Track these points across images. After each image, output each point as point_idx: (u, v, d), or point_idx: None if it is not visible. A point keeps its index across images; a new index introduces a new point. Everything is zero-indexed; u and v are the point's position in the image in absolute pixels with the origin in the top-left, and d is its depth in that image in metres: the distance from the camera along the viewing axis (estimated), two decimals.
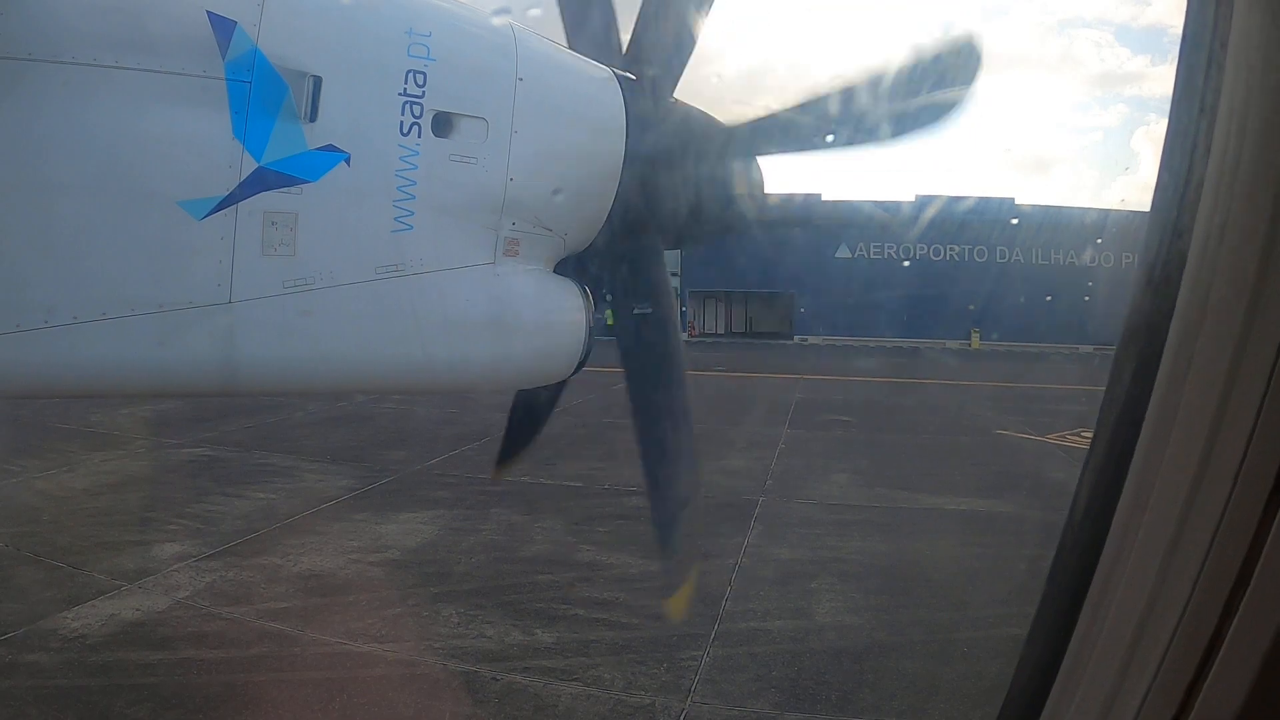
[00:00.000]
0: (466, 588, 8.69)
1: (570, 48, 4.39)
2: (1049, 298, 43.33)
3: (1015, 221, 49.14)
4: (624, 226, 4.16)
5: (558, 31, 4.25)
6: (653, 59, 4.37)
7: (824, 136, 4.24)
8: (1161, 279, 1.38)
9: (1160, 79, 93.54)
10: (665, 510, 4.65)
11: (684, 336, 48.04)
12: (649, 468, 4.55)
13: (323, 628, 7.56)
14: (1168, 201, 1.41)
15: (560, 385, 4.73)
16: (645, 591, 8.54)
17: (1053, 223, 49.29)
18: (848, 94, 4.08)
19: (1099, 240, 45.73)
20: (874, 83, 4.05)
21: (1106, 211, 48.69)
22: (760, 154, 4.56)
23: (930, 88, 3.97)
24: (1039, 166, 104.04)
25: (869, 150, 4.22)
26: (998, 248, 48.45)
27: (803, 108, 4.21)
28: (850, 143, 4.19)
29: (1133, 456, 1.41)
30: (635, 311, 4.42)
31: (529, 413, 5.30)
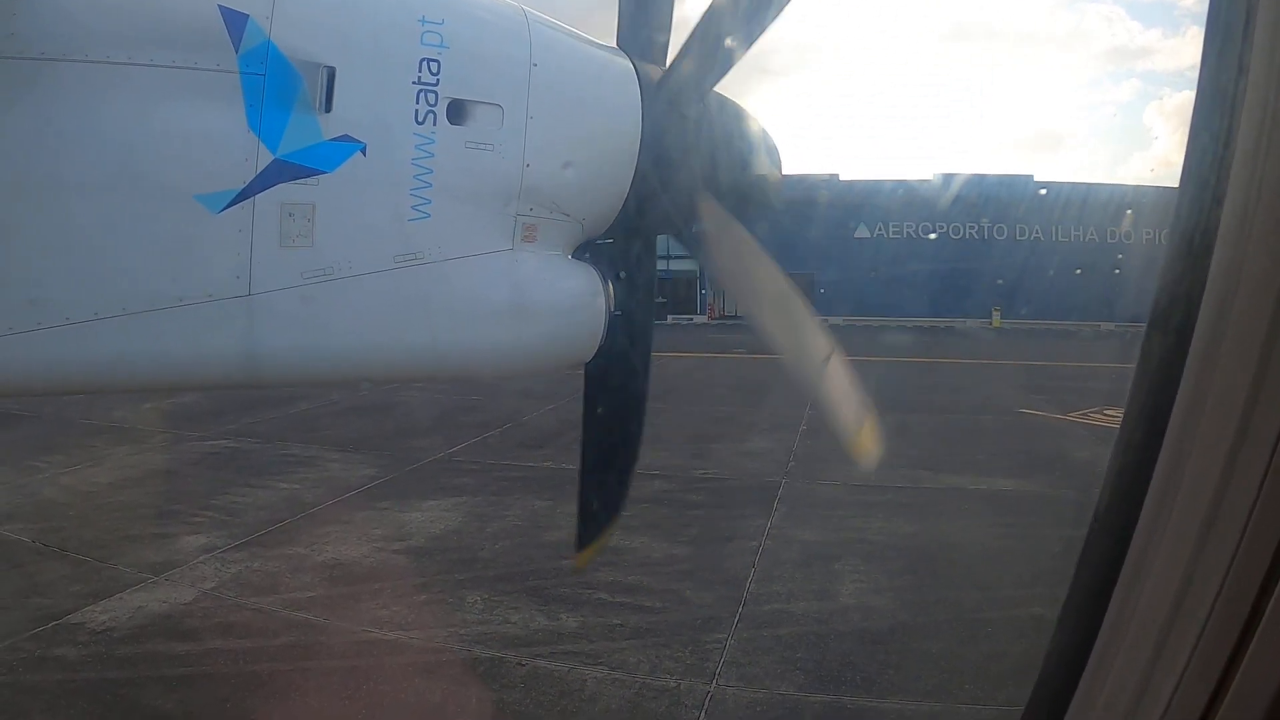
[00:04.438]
0: (490, 574, 8.72)
1: (619, 41, 4.35)
2: (1075, 272, 43.02)
3: (1044, 192, 48.71)
4: (642, 209, 4.14)
5: (565, 17, 4.20)
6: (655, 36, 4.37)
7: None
8: (1193, 252, 1.35)
9: (1173, 53, 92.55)
10: (594, 477, 4.88)
11: (703, 319, 47.78)
12: (591, 438, 4.72)
13: (348, 616, 7.60)
14: (1200, 171, 1.37)
15: (634, 448, 4.79)
16: (669, 575, 8.56)
17: (1073, 199, 48.88)
18: None
19: (1124, 215, 45.34)
20: None
21: (1129, 187, 48.23)
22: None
23: None
24: (1052, 143, 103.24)
25: None
26: (1018, 225, 48.07)
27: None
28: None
29: (1165, 435, 1.39)
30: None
31: (606, 482, 4.99)
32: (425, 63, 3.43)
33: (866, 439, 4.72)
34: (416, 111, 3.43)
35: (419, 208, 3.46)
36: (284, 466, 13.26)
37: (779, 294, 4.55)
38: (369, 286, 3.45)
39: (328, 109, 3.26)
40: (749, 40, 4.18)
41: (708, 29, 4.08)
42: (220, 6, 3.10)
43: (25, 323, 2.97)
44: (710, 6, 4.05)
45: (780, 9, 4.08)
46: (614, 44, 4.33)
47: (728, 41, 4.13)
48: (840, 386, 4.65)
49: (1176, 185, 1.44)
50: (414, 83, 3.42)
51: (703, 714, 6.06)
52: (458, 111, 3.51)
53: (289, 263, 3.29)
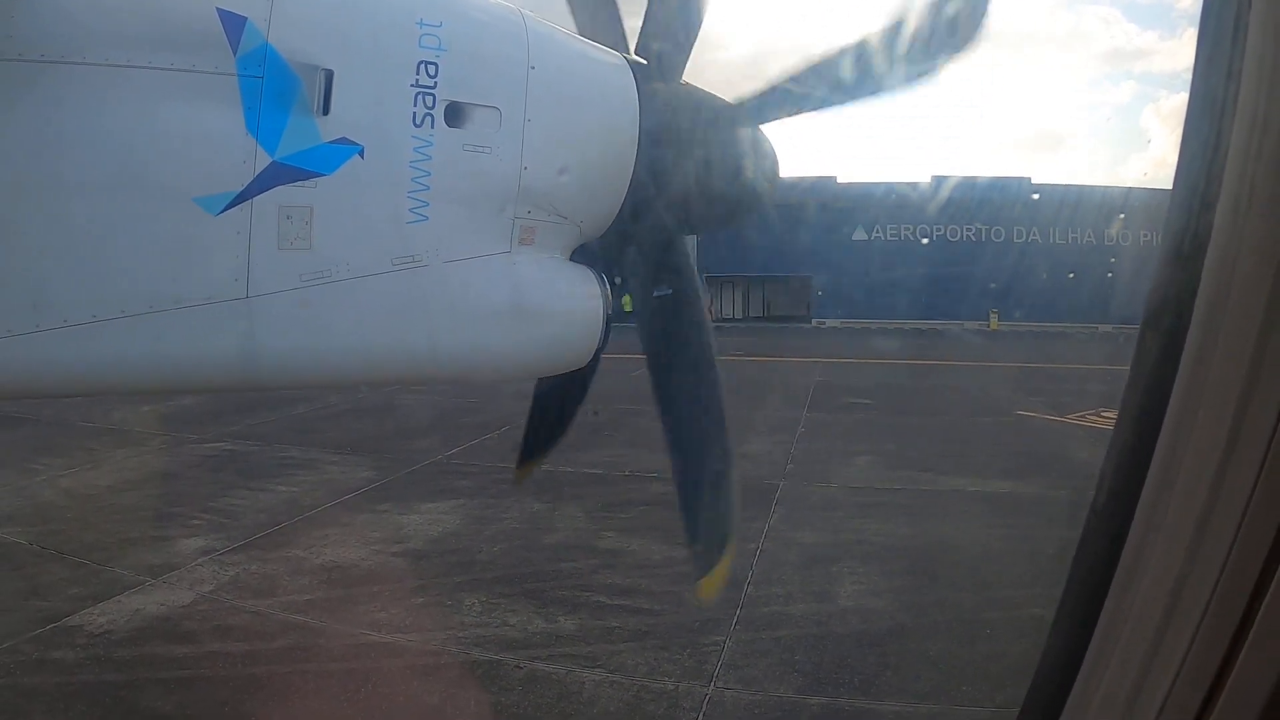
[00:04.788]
0: (489, 576, 8.72)
1: (578, 34, 4.39)
2: (1069, 276, 43.00)
3: (1036, 196, 48.70)
4: (639, 212, 4.15)
5: (563, 19, 4.23)
6: (662, 42, 4.37)
7: (828, 94, 4.31)
8: (1186, 253, 1.36)
9: (1169, 54, 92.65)
10: (696, 497, 4.65)
11: None
12: (679, 455, 4.54)
13: (346, 619, 7.60)
14: (1193, 173, 1.38)
15: (584, 383, 4.73)
16: (667, 578, 8.55)
17: (1070, 201, 48.87)
18: (847, 52, 4.17)
19: (1118, 218, 45.33)
20: (871, 39, 4.20)
21: (1124, 189, 48.24)
22: (770, 119, 4.57)
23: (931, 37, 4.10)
24: (1049, 144, 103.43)
25: (872, 101, 4.36)
26: (1015, 227, 48.04)
27: (808, 71, 4.28)
28: (852, 97, 4.30)
29: (1159, 436, 1.39)
30: (656, 295, 4.42)
31: (550, 411, 5.26)
32: (423, 65, 3.44)
33: (718, 576, 4.69)
34: (414, 114, 3.43)
35: (417, 210, 3.47)
36: (282, 469, 13.25)
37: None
38: (367, 289, 3.45)
39: (326, 111, 3.27)
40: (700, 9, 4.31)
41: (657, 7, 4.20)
42: (218, 9, 3.11)
43: (24, 325, 2.98)
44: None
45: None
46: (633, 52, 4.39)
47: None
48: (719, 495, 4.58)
49: (1170, 187, 1.45)
50: (412, 85, 3.43)
51: (701, 716, 6.07)
52: (455, 114, 3.52)
53: (287, 265, 3.30)
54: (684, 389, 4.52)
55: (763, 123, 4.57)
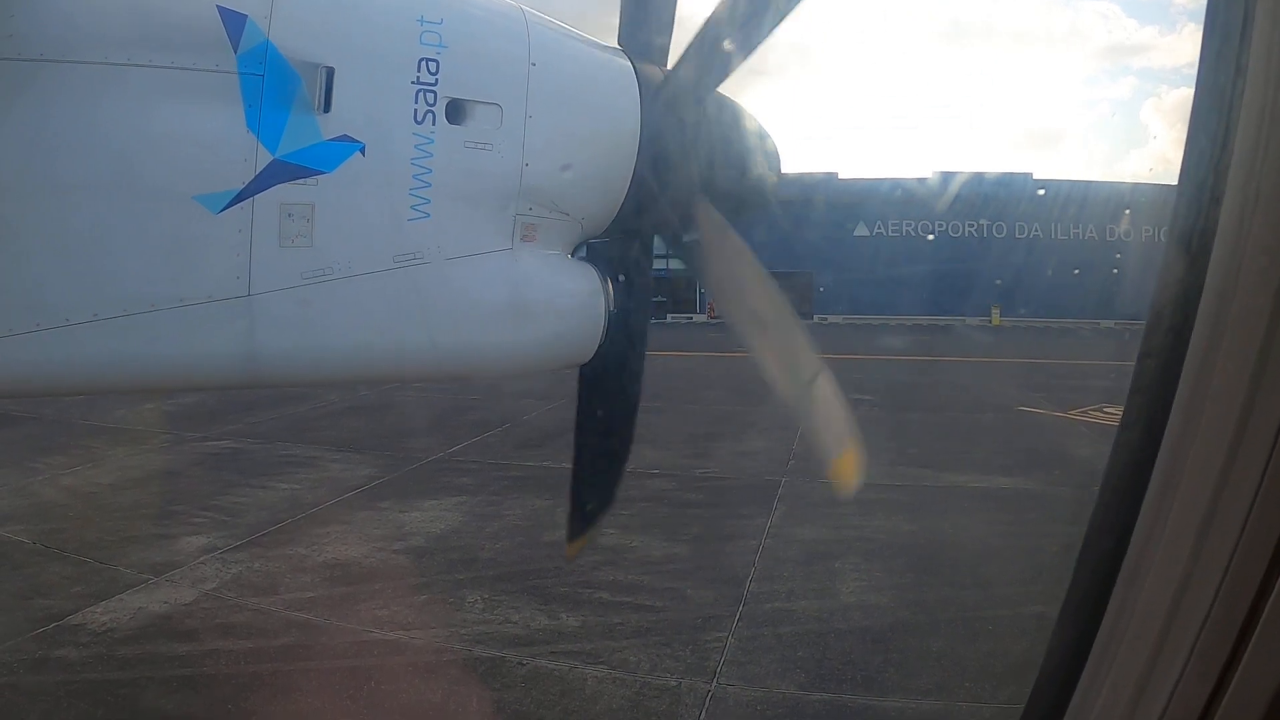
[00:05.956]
0: (491, 573, 8.71)
1: (620, 41, 4.35)
2: (1074, 272, 43.01)
3: (1040, 192, 48.68)
4: (641, 209, 4.14)
5: (564, 16, 4.21)
6: (664, 38, 4.36)
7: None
8: (1192, 250, 1.35)
9: (1169, 49, 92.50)
10: (589, 472, 4.97)
11: (704, 318, 47.72)
12: (586, 431, 4.69)
13: (349, 616, 7.60)
14: (1198, 168, 1.37)
15: (627, 435, 4.82)
16: (669, 574, 8.55)
17: (1074, 197, 48.84)
18: None
19: (1123, 214, 45.31)
20: None
21: (1129, 185, 48.22)
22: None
23: None
24: (1050, 140, 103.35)
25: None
26: (1017, 223, 48.03)
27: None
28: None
29: (1164, 434, 1.39)
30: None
31: (597, 468, 5.09)
32: (424, 62, 3.44)
33: (847, 468, 4.66)
34: (415, 111, 3.43)
35: (418, 207, 3.46)
36: (284, 467, 13.26)
37: (769, 306, 4.53)
38: (368, 286, 3.45)
39: (326, 109, 3.27)
40: (748, 47, 4.17)
41: (707, 35, 4.08)
42: (219, 7, 3.11)
43: (26, 324, 2.98)
44: (712, 14, 4.05)
45: (780, 18, 4.08)
46: (615, 43, 4.34)
47: (726, 45, 4.13)
48: (825, 409, 4.61)
49: (1175, 183, 1.45)
50: (413, 82, 3.43)
51: (703, 713, 6.06)
52: (457, 111, 3.52)
53: (288, 263, 3.30)
54: (611, 383, 4.51)
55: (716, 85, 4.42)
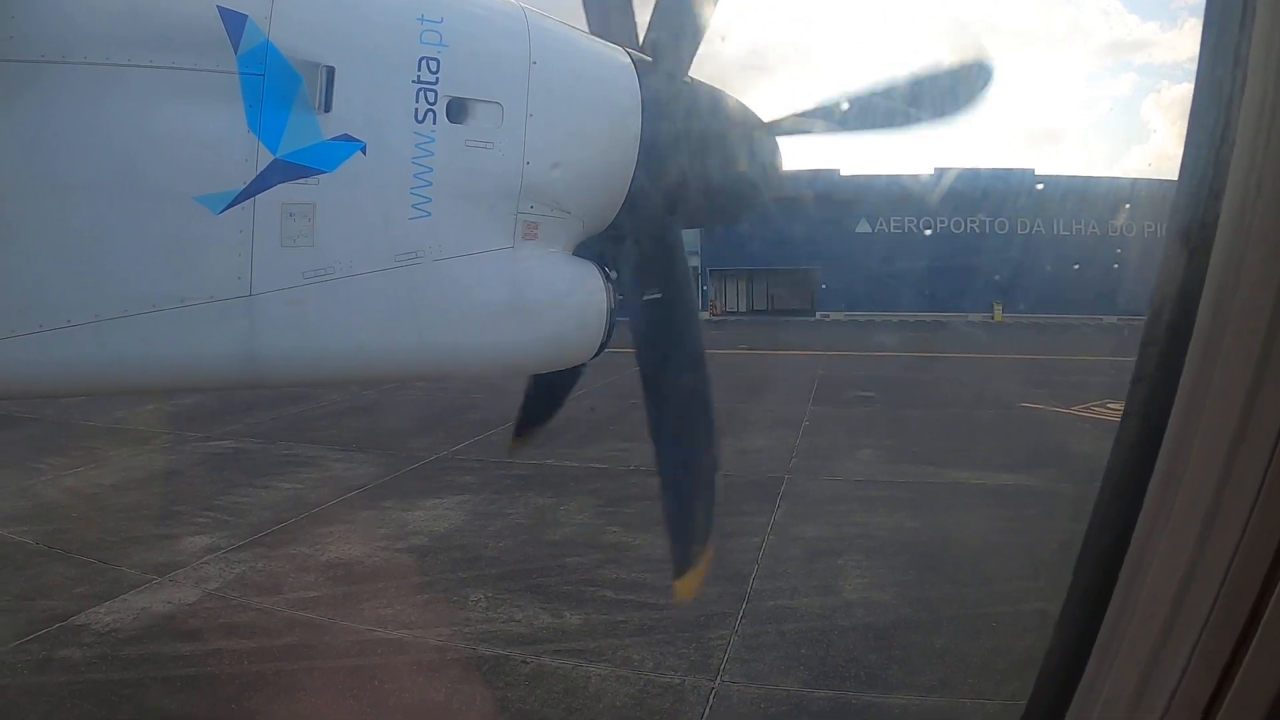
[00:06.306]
0: (494, 572, 8.72)
1: (591, 31, 4.38)
2: (1074, 268, 42.93)
3: (1040, 187, 48.63)
4: (643, 206, 4.14)
5: (563, 14, 4.21)
6: (667, 38, 4.36)
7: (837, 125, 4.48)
8: (1192, 245, 1.35)
9: (1170, 45, 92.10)
10: (679, 497, 4.62)
11: (705, 315, 47.70)
12: (667, 458, 4.53)
13: (352, 615, 7.60)
14: (1199, 163, 1.36)
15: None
16: (673, 572, 8.54)
17: (1074, 192, 48.76)
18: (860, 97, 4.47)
19: (1124, 209, 45.24)
20: (887, 87, 4.48)
21: (1129, 180, 48.14)
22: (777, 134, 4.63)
23: (940, 95, 4.26)
24: (1052, 137, 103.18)
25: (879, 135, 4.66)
26: (1019, 219, 47.97)
27: (820, 110, 4.40)
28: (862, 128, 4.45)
29: (1165, 429, 1.38)
30: (645, 298, 4.40)
31: (547, 385, 5.27)
32: (424, 61, 3.44)
33: (694, 576, 4.61)
34: (416, 110, 3.43)
35: (419, 206, 3.46)
36: (286, 466, 13.26)
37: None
38: (370, 286, 3.45)
39: (327, 109, 3.27)
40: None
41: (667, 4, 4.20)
42: (219, 7, 3.11)
43: (27, 325, 2.98)
44: None
45: None
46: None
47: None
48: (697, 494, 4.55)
49: (1175, 178, 1.44)
50: (413, 81, 3.43)
51: (707, 710, 6.06)
52: (457, 110, 3.52)
53: (290, 262, 3.30)
54: (676, 393, 4.50)
55: (779, 135, 4.68)
